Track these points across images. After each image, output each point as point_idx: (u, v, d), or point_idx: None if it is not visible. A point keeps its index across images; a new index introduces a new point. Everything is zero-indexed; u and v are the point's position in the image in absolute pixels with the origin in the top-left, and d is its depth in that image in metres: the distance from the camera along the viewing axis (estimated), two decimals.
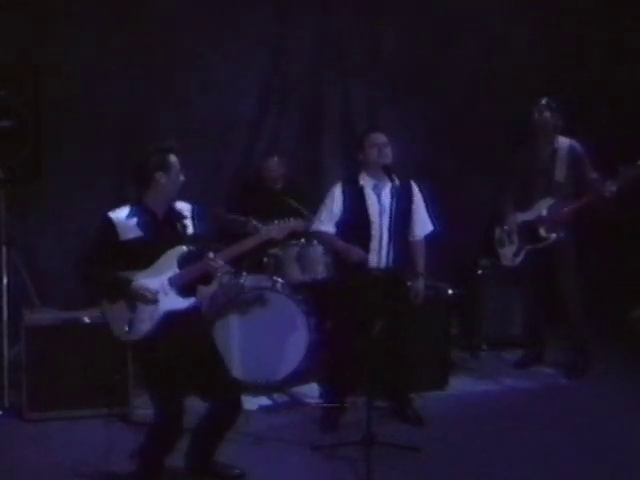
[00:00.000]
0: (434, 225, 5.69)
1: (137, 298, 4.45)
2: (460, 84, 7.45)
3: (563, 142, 6.30)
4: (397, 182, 5.37)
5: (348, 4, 7.33)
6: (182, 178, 4.57)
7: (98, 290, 4.64)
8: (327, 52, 7.32)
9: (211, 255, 4.49)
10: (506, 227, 6.44)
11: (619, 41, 7.38)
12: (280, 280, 6.29)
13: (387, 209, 5.36)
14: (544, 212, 6.27)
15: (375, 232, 5.42)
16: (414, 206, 5.59)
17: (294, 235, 4.95)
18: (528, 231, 6.34)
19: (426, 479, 4.89)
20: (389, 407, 5.69)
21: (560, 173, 6.24)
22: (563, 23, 7.52)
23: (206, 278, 4.65)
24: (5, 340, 5.93)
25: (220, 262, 4.50)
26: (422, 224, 5.65)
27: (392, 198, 5.28)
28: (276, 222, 4.71)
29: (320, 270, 6.26)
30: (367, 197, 5.49)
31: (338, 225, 5.50)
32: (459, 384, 6.33)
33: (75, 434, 5.40)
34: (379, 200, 5.47)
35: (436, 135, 7.35)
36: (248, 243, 4.64)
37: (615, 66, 7.36)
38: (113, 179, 6.89)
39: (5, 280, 6.00)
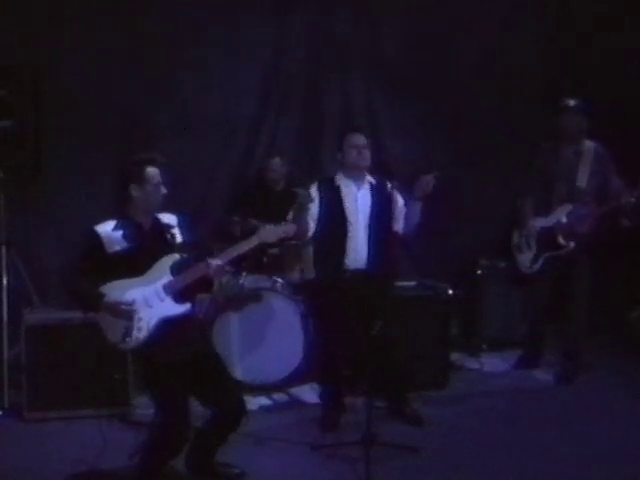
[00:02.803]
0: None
1: (112, 312, 4.45)
2: (460, 84, 7.45)
3: (588, 146, 6.20)
4: (374, 181, 5.40)
5: (348, 4, 7.33)
6: (164, 191, 4.56)
7: (77, 304, 4.69)
8: (327, 52, 7.32)
9: (209, 257, 4.52)
10: (525, 233, 6.37)
11: (619, 41, 7.38)
12: (280, 280, 6.30)
13: (365, 209, 5.38)
14: (563, 219, 6.16)
15: (352, 232, 5.40)
16: (393, 204, 5.46)
17: (287, 239, 5.00)
18: (547, 238, 6.23)
19: (426, 479, 4.89)
20: (387, 407, 5.67)
21: (582, 179, 6.13)
22: (563, 23, 7.53)
23: (206, 284, 4.65)
24: (5, 340, 5.93)
25: (220, 263, 4.52)
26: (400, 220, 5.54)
27: (371, 198, 5.30)
28: (268, 226, 4.74)
29: None
30: (344, 197, 5.46)
31: (316, 225, 5.44)
32: (459, 384, 6.33)
33: (75, 434, 5.40)
34: (356, 200, 5.45)
35: (436, 135, 7.36)
36: (243, 247, 4.66)
37: (616, 66, 7.36)
38: (112, 179, 6.89)
39: (5, 280, 6.01)
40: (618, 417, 5.62)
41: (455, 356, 6.73)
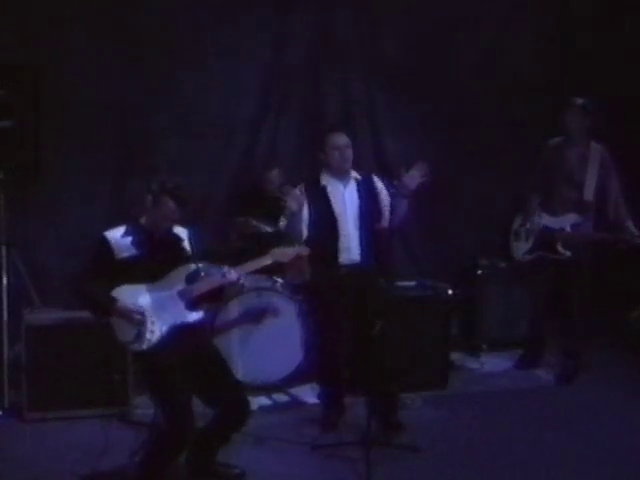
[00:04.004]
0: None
1: (123, 317, 4.48)
2: (460, 84, 7.45)
3: (595, 149, 6.17)
4: (360, 177, 5.41)
5: (348, 4, 7.33)
6: (171, 225, 4.58)
7: (88, 308, 4.72)
8: (327, 52, 7.31)
9: (226, 269, 4.61)
10: (528, 226, 6.36)
11: (620, 41, 7.38)
12: (280, 280, 6.29)
13: (353, 207, 5.37)
14: (567, 228, 6.15)
15: (343, 231, 5.36)
16: (379, 198, 5.44)
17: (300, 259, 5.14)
18: (546, 238, 6.23)
19: (426, 479, 4.89)
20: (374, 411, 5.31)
21: (589, 190, 6.11)
22: (563, 23, 7.53)
23: (217, 295, 4.73)
24: (5, 340, 5.93)
25: (236, 275, 4.63)
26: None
27: (358, 195, 5.33)
28: (282, 247, 4.94)
29: None
30: (331, 196, 5.40)
31: (307, 227, 5.38)
32: (459, 384, 6.33)
33: (75, 434, 5.40)
34: (343, 198, 5.40)
35: (436, 135, 7.35)
36: (258, 263, 4.81)
37: (616, 66, 7.35)
38: (113, 179, 6.91)
39: (5, 280, 6.00)
40: (618, 417, 5.63)
41: (455, 356, 6.72)
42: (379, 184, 5.53)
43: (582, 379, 6.32)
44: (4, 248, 6.05)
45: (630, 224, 6.06)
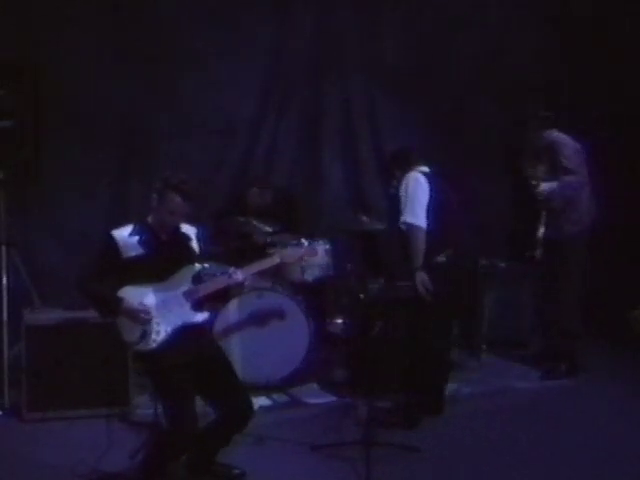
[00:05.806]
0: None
1: (129, 317, 4.48)
2: (460, 84, 7.45)
3: (548, 137, 6.33)
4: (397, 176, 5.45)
5: (348, 4, 7.33)
6: (177, 223, 4.57)
7: (94, 307, 4.72)
8: (327, 52, 7.32)
9: (232, 270, 4.60)
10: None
11: (620, 41, 7.37)
12: (280, 280, 6.29)
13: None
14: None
15: None
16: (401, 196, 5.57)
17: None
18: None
19: (426, 479, 4.89)
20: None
21: (541, 169, 6.29)
22: (563, 23, 7.53)
23: (222, 296, 4.75)
24: (5, 340, 5.93)
25: (241, 277, 4.61)
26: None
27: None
28: (289, 247, 4.99)
29: (320, 270, 6.27)
30: None
31: None
32: (459, 384, 6.33)
33: (75, 434, 5.40)
34: None
35: (436, 134, 7.35)
36: (264, 264, 4.78)
37: (616, 66, 7.35)
38: (113, 179, 6.91)
39: (5, 280, 6.00)
40: (618, 417, 5.63)
41: (455, 356, 6.72)
42: (405, 181, 5.60)
43: (582, 379, 6.32)
44: (4, 248, 6.05)
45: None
